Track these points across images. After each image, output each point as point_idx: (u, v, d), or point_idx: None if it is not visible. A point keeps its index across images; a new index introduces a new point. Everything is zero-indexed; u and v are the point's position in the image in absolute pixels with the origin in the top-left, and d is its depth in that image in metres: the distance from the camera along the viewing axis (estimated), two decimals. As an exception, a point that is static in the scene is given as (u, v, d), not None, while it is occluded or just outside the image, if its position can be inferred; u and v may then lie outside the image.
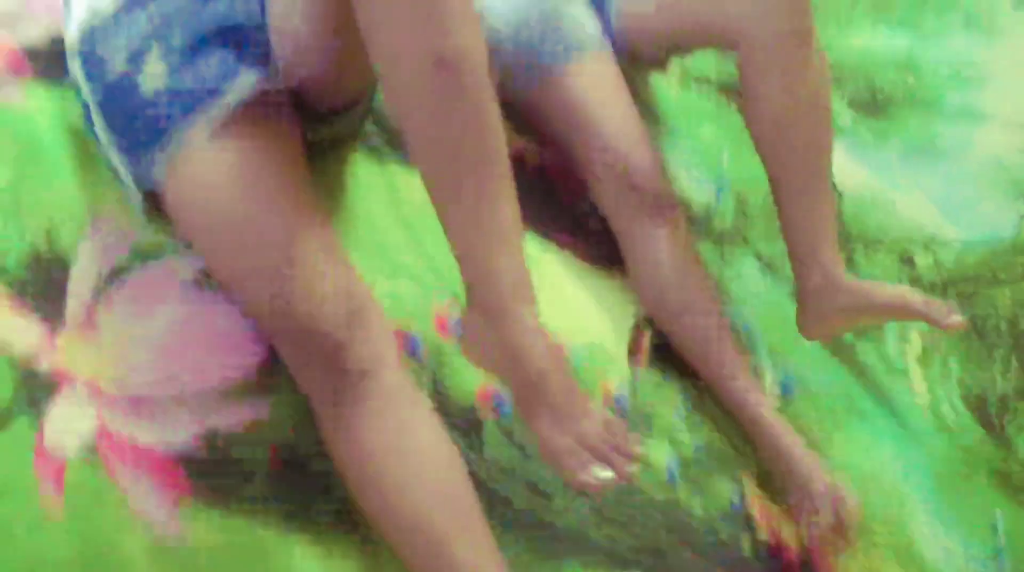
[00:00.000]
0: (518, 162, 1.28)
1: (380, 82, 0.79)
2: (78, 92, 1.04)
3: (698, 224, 1.28)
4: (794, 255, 1.09)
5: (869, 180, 1.38)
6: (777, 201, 1.11)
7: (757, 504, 1.11)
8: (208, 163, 0.94)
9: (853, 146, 1.43)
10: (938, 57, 1.60)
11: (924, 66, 1.58)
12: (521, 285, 0.77)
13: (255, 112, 0.95)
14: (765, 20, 1.02)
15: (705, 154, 1.37)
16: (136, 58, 0.96)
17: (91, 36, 1.01)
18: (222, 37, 0.99)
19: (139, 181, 0.96)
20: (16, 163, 1.04)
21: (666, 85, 1.44)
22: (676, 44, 1.26)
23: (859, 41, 1.59)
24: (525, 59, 1.22)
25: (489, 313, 0.78)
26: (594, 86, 1.21)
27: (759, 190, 1.35)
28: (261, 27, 0.98)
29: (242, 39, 0.99)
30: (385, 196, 1.15)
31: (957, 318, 0.98)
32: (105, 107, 0.98)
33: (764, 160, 1.11)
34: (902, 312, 1.03)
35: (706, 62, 1.49)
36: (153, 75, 0.95)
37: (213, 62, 0.95)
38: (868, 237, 1.33)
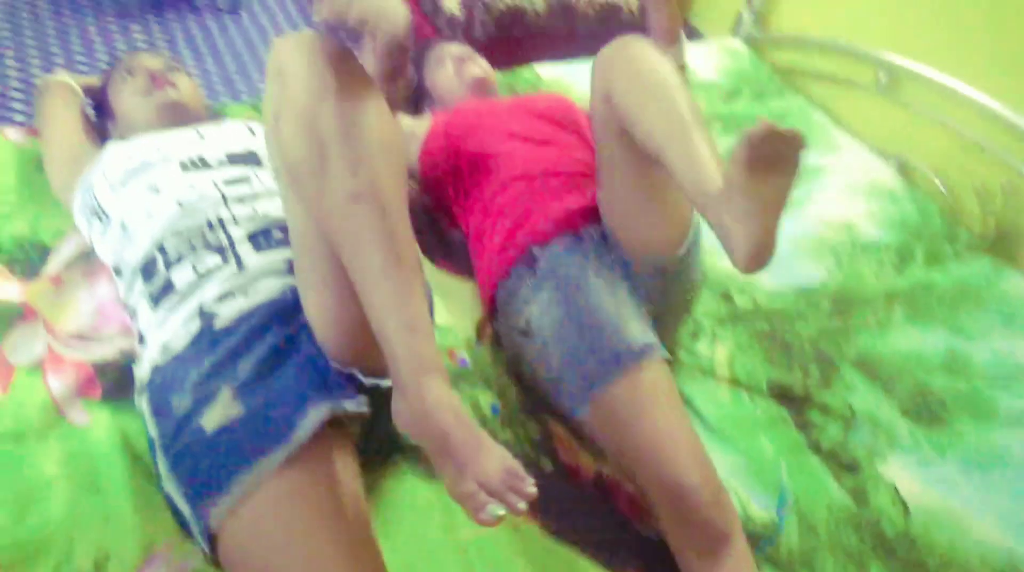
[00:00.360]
0: (573, 473, 1.27)
1: (308, 207, 0.95)
2: (144, 424, 1.05)
3: (761, 547, 1.22)
4: (697, 207, 1.06)
5: (936, 500, 1.33)
6: (664, 162, 1.10)
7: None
8: (265, 507, 0.92)
9: (914, 463, 1.39)
10: (984, 358, 1.61)
11: (972, 368, 1.59)
12: (426, 362, 0.89)
13: (316, 438, 0.96)
14: (618, 66, 1.19)
15: (763, 467, 1.33)
16: (200, 396, 0.98)
17: (160, 374, 1.04)
18: (285, 360, 1.02)
19: (198, 522, 0.93)
20: (75, 490, 1.03)
21: (716, 392, 1.44)
22: (638, 171, 1.24)
23: (902, 344, 1.61)
24: (571, 375, 1.22)
25: (401, 387, 0.90)
26: (642, 403, 1.19)
27: (822, 506, 1.31)
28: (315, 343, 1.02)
29: (303, 360, 1.02)
30: (441, 520, 1.11)
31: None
32: (168, 448, 0.98)
33: (639, 138, 1.15)
34: (743, 162, 0.94)
35: (756, 369, 1.49)
36: (217, 415, 0.96)
37: (276, 397, 0.98)
38: (943, 560, 1.25)
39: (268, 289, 1.09)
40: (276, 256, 1.13)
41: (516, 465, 0.85)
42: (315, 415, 0.96)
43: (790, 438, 1.40)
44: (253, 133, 1.34)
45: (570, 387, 1.23)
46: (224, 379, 0.99)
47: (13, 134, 1.51)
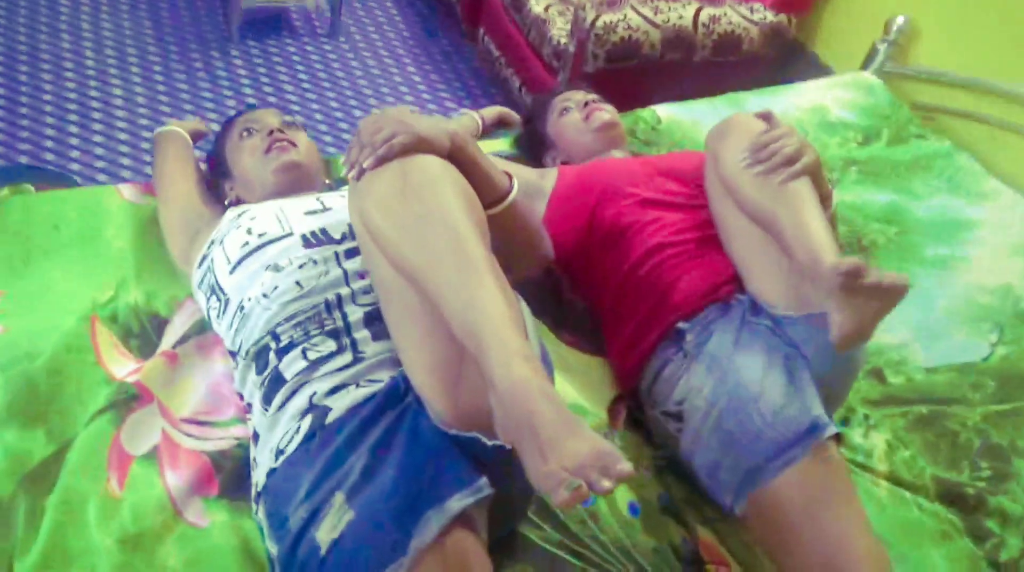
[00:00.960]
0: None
1: (378, 244, 0.97)
2: (261, 532, 0.98)
3: None
4: (805, 275, 1.09)
5: None
6: (778, 240, 1.15)
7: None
8: None
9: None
10: None
11: None
12: (511, 347, 0.82)
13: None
14: (727, 130, 1.27)
15: (937, 588, 1.18)
16: (314, 506, 0.91)
17: (275, 479, 0.97)
18: (394, 448, 0.94)
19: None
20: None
21: (874, 492, 1.28)
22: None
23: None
24: (728, 467, 1.10)
25: (489, 381, 0.83)
26: (811, 502, 1.05)
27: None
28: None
29: (412, 442, 0.93)
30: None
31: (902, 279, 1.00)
32: (286, 565, 0.91)
33: (744, 202, 1.21)
34: (839, 286, 0.99)
35: (919, 464, 1.33)
36: (330, 524, 0.89)
37: (389, 494, 0.89)
38: None
39: (381, 379, 1.01)
40: (392, 345, 1.04)
41: (610, 447, 0.75)
42: (431, 526, 0.87)
43: (965, 552, 1.23)
44: None
45: (727, 480, 1.11)
46: (337, 482, 0.91)
47: (128, 192, 1.45)
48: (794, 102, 2.09)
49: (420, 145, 0.98)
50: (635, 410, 1.30)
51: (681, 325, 1.23)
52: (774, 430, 1.08)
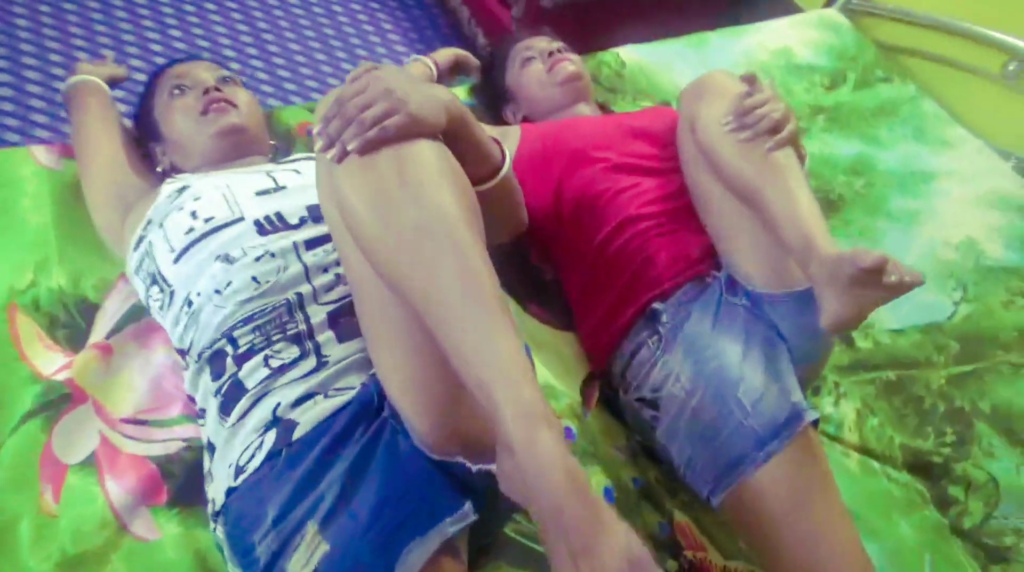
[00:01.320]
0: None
1: (361, 245, 0.83)
2: (220, 550, 0.90)
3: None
4: (793, 254, 1.05)
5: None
6: (762, 214, 1.10)
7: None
8: None
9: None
10: None
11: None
12: (532, 409, 0.74)
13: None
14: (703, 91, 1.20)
15: (905, 559, 1.18)
16: (285, 536, 0.83)
17: (237, 501, 0.89)
18: (371, 469, 0.87)
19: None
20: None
21: (844, 462, 1.27)
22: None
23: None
24: (707, 458, 1.07)
25: (506, 442, 0.74)
26: (791, 494, 1.02)
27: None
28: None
29: (391, 464, 0.87)
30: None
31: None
32: None
33: (725, 173, 1.14)
34: (847, 277, 0.94)
35: (888, 433, 1.32)
36: (303, 557, 0.82)
37: (367, 523, 0.82)
38: None
39: (351, 386, 0.93)
40: (359, 345, 0.96)
41: (643, 553, 0.69)
42: (413, 559, 0.81)
43: (931, 521, 1.24)
44: None
45: (705, 473, 1.07)
46: (308, 509, 0.84)
47: (44, 156, 1.29)
48: (759, 41, 2.01)
49: (415, 126, 0.84)
50: (608, 390, 1.25)
51: (656, 305, 1.17)
52: (754, 420, 1.04)
